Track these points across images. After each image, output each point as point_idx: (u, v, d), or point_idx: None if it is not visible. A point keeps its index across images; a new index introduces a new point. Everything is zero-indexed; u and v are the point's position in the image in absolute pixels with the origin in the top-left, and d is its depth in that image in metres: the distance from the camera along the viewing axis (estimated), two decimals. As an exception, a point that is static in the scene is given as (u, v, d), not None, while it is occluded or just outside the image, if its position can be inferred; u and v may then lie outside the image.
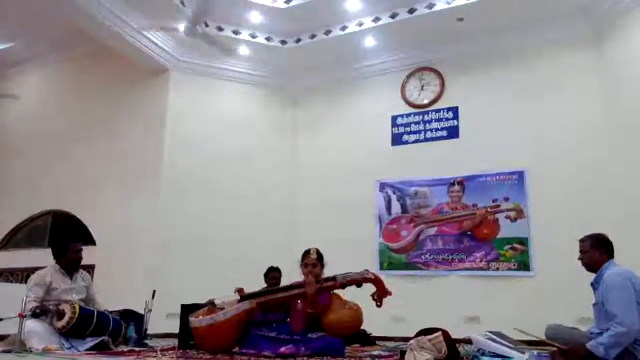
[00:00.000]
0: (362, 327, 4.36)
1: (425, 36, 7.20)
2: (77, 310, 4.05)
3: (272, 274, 5.81)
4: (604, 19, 6.33)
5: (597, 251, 3.50)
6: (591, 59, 6.49)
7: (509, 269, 6.35)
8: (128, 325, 4.58)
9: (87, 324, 4.09)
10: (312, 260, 4.04)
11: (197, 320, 3.82)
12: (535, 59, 6.80)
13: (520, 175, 6.56)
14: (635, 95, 5.82)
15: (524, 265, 6.28)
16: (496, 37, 6.99)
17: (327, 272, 4.12)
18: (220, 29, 7.32)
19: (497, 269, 6.41)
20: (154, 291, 5.08)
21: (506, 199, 6.57)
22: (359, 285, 3.83)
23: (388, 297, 3.80)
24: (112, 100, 8.00)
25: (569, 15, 6.53)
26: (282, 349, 3.52)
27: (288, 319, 4.06)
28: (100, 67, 8.15)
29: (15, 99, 8.78)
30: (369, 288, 3.90)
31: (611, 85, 6.25)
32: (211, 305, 3.92)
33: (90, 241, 7.33)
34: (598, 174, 6.10)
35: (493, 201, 6.62)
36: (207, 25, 7.14)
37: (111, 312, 4.54)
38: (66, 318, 4.00)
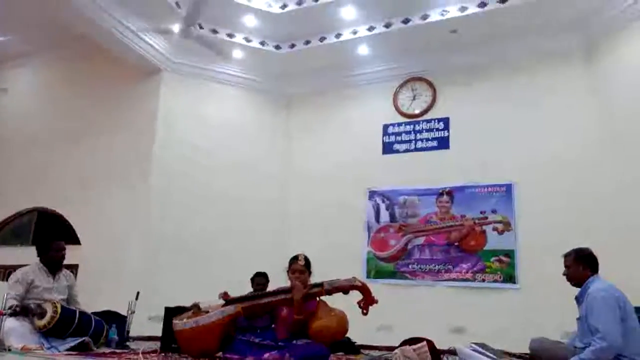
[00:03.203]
0: (347, 335, 4.34)
1: (418, 47, 7.25)
2: (59, 309, 4.00)
3: (259, 279, 5.76)
4: (596, 33, 6.42)
5: (580, 266, 3.52)
6: (583, 73, 6.56)
7: (495, 281, 6.37)
8: (110, 326, 4.52)
9: (68, 324, 4.03)
10: (300, 267, 3.97)
11: (181, 323, 3.77)
12: (527, 71, 6.86)
13: (508, 187, 6.60)
14: (627, 111, 5.91)
15: (509, 277, 6.31)
16: (488, 49, 7.04)
17: (315, 279, 4.10)
18: (214, 31, 7.30)
19: (483, 280, 6.43)
20: (138, 292, 5.03)
21: (494, 211, 6.60)
22: (345, 292, 3.81)
23: (374, 305, 3.79)
24: (104, 99, 7.94)
25: (562, 28, 6.60)
26: (266, 355, 3.48)
27: (273, 325, 4.03)
28: (93, 65, 8.08)
29: (3, 92, 8.69)
30: (356, 296, 3.89)
31: (602, 99, 6.31)
32: (196, 309, 3.88)
33: (75, 240, 7.24)
34: (586, 189, 6.13)
35: (481, 213, 6.65)
36: (201, 28, 7.13)
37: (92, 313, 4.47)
38: (47, 317, 3.94)
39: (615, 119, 6.08)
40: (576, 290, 3.59)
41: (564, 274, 3.61)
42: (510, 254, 6.37)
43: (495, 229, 6.53)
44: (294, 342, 3.68)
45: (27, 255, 5.37)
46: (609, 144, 6.11)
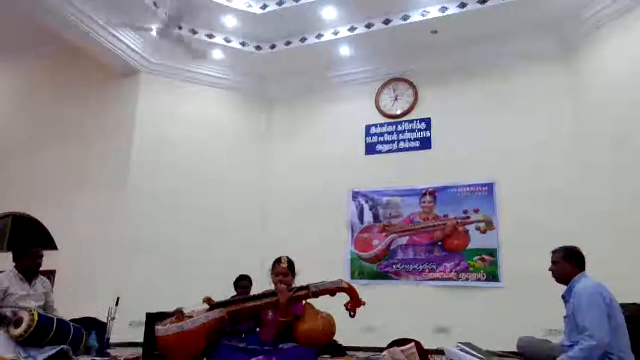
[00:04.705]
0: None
1: (399, 47, 7.26)
2: (36, 317, 3.86)
3: (243, 282, 5.69)
4: (573, 34, 6.51)
5: (568, 263, 3.51)
6: (561, 72, 6.65)
7: (479, 280, 6.41)
8: (89, 334, 4.39)
9: (46, 332, 3.89)
10: (283, 270, 3.91)
11: (164, 329, 3.66)
12: (507, 72, 6.93)
13: (490, 187, 6.65)
14: (603, 109, 6.00)
15: (493, 276, 6.34)
16: (469, 50, 7.09)
17: (298, 280, 4.04)
18: (194, 32, 7.20)
19: (467, 279, 6.46)
20: (118, 298, 4.92)
21: (476, 211, 6.64)
22: (332, 294, 3.75)
23: (361, 307, 3.74)
24: (80, 101, 7.77)
25: (541, 29, 6.68)
26: (253, 360, 3.41)
27: (257, 329, 3.96)
28: (69, 67, 7.91)
29: None
30: (342, 298, 3.84)
31: (580, 98, 6.41)
32: (179, 314, 3.78)
33: (52, 246, 7.04)
34: (567, 187, 6.23)
35: (464, 212, 6.68)
36: (180, 28, 7.03)
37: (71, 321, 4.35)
38: (24, 326, 3.80)
39: (593, 118, 6.17)
40: (560, 288, 3.60)
41: (550, 270, 3.61)
42: (493, 252, 6.41)
43: (478, 228, 6.57)
44: (281, 346, 3.61)
45: (2, 262, 5.21)
46: (588, 143, 6.19)
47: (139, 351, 4.66)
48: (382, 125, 7.49)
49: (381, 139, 7.43)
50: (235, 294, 5.48)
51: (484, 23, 6.63)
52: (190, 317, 3.73)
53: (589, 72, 6.31)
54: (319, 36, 7.25)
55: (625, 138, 5.66)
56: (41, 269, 4.46)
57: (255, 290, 5.32)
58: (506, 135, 6.74)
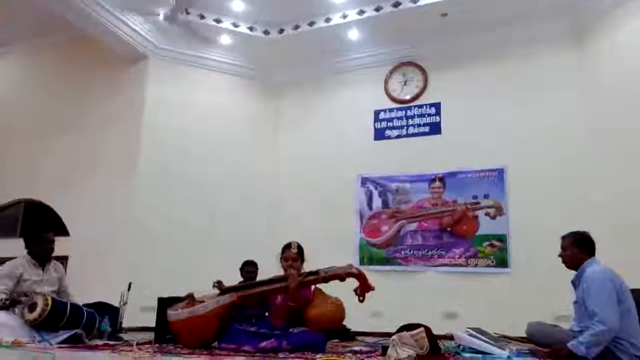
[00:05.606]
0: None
1: (409, 31, 7.17)
2: (49, 302, 3.92)
3: (248, 267, 5.75)
4: (587, 16, 6.39)
5: (577, 249, 3.50)
6: (573, 57, 6.55)
7: (488, 266, 6.39)
8: (102, 318, 4.45)
9: (59, 316, 3.96)
10: (293, 255, 3.96)
11: (176, 314, 3.72)
12: (518, 56, 6.84)
13: (500, 172, 6.60)
14: (615, 95, 5.92)
15: (502, 262, 6.33)
16: (480, 34, 6.99)
17: (307, 266, 4.06)
18: (201, 16, 7.16)
19: (476, 265, 6.45)
20: (130, 284, 4.96)
21: (486, 196, 6.61)
22: (342, 279, 3.78)
23: (370, 292, 3.76)
24: (89, 88, 7.78)
25: (553, 13, 6.57)
26: (263, 344, 3.45)
27: (267, 314, 4.00)
28: (77, 53, 7.90)
29: None
30: (351, 283, 3.86)
31: (592, 84, 6.32)
32: (190, 299, 3.83)
33: (64, 232, 7.12)
34: (577, 172, 6.16)
35: (473, 198, 6.65)
36: (187, 13, 6.99)
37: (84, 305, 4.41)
38: (38, 310, 3.87)
39: (607, 102, 6.08)
40: (569, 274, 3.59)
41: (559, 256, 3.60)
42: (502, 238, 6.38)
43: (487, 213, 6.54)
44: (291, 330, 3.65)
45: (14, 248, 5.26)
46: (600, 127, 6.12)
47: (150, 335, 4.71)
48: (391, 110, 7.44)
49: (390, 124, 7.39)
50: (241, 279, 5.53)
51: (494, 5, 6.52)
52: (201, 301, 3.78)
53: (602, 57, 6.20)
54: (328, 20, 7.17)
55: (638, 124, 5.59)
56: (54, 254, 4.53)
57: (262, 276, 5.36)
58: (517, 120, 6.67)
